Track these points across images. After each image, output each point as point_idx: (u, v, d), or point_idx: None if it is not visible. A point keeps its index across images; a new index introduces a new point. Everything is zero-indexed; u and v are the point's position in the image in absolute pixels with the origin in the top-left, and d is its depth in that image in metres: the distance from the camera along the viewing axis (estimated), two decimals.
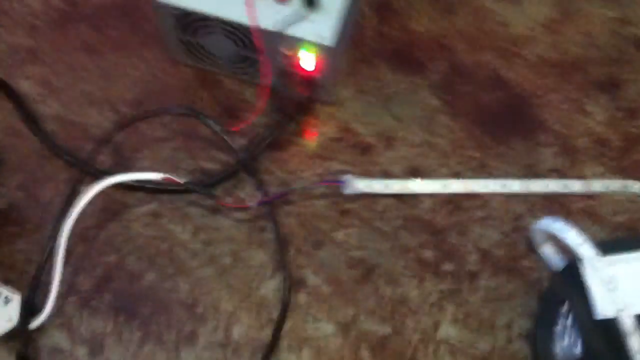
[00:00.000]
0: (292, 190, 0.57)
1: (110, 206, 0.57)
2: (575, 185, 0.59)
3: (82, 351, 0.51)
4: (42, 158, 0.58)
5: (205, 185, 0.57)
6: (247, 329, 0.52)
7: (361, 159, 0.59)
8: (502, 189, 0.59)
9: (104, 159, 0.58)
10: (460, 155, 0.60)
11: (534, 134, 0.61)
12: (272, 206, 0.57)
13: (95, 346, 0.51)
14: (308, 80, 0.57)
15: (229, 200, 0.56)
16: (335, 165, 0.59)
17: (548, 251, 0.56)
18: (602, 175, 0.60)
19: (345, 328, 0.53)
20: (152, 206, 0.57)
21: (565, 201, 0.59)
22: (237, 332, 0.52)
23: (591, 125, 0.62)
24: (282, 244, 0.55)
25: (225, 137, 0.58)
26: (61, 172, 0.57)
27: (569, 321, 0.50)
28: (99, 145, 0.58)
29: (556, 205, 0.58)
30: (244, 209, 0.56)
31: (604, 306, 0.44)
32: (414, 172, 0.59)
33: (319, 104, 0.61)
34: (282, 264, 0.54)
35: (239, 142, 0.58)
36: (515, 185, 0.59)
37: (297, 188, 0.58)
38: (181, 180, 0.52)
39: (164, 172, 0.52)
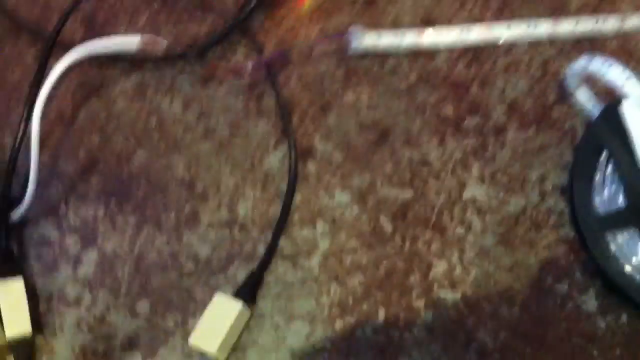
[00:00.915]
0: (292, 48, 0.50)
1: (88, 82, 0.50)
2: (609, 22, 0.52)
3: (72, 240, 0.46)
4: (6, 37, 0.50)
5: (197, 49, 0.50)
6: (253, 205, 0.47)
7: (367, 11, 0.53)
8: (527, 32, 0.51)
9: (74, 30, 0.50)
10: None
11: None
12: (270, 68, 0.50)
13: (87, 234, 0.46)
14: None
15: (219, 66, 0.49)
16: (338, 20, 0.51)
17: (583, 96, 0.49)
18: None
19: (361, 196, 0.47)
20: (135, 78, 0.51)
21: (598, 42, 0.52)
22: (242, 208, 0.47)
23: None
24: (284, 109, 0.49)
25: None
26: (28, 50, 0.51)
27: (609, 170, 0.46)
28: (67, 15, 0.50)
29: (588, 47, 0.51)
30: (239, 72, 0.49)
31: None
32: (428, 22, 0.52)
33: None
34: (286, 131, 0.48)
35: (226, 1, 0.51)
36: (541, 27, 0.52)
37: (298, 46, 0.51)
38: (164, 43, 0.45)
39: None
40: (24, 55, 0.51)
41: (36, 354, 0.43)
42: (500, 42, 0.52)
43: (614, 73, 0.41)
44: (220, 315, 0.42)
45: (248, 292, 0.45)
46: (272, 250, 0.45)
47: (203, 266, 0.45)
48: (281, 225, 0.46)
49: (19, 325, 0.43)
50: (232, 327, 0.42)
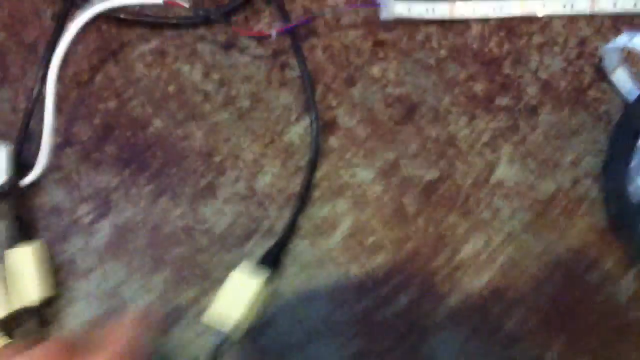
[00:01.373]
0: (319, 15, 0.48)
1: (106, 45, 0.48)
2: None
3: (85, 209, 0.44)
4: None
5: (219, 13, 0.47)
6: (272, 179, 0.45)
7: None
8: (564, 9, 0.49)
9: None
10: None
11: None
12: (294, 37, 0.47)
13: (100, 203, 0.44)
14: None
15: (243, 31, 0.47)
16: None
17: (622, 77, 0.47)
18: None
19: (385, 174, 0.45)
20: (155, 43, 0.48)
21: (637, 22, 0.49)
22: (261, 182, 0.45)
23: None
24: (308, 80, 0.46)
25: None
26: (47, 6, 0.48)
27: None
28: None
29: (630, 26, 0.48)
30: (264, 37, 0.47)
31: None
32: None
33: None
34: (309, 103, 0.46)
35: None
36: (580, 3, 0.49)
37: (324, 13, 0.48)
38: (187, 4, 0.43)
39: None
40: (41, 13, 0.48)
41: (45, 326, 0.42)
42: (537, 15, 0.50)
43: None
44: (238, 292, 0.40)
45: (272, 260, 0.43)
46: (290, 228, 0.43)
47: (218, 242, 0.44)
48: (302, 201, 0.44)
49: (30, 291, 0.41)
50: (250, 305, 0.40)
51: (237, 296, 0.40)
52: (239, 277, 0.41)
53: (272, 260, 0.42)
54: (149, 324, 0.35)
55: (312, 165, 0.45)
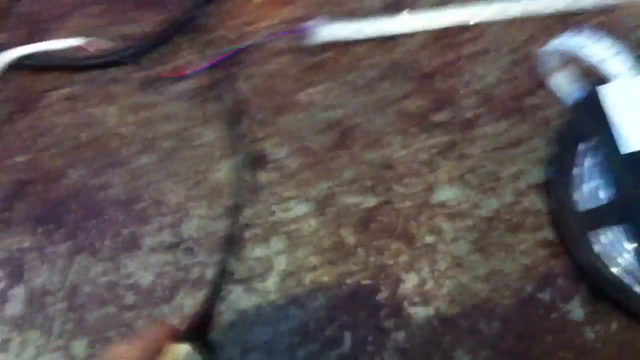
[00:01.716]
0: (244, 47, 0.45)
1: (16, 96, 0.45)
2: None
3: None
4: None
5: (134, 52, 0.44)
6: (199, 223, 0.42)
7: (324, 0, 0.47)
8: (499, 15, 0.46)
9: (4, 36, 0.45)
10: None
11: None
12: (218, 71, 0.44)
13: (13, 268, 0.41)
14: None
15: (160, 70, 0.44)
16: (295, 12, 0.46)
17: (562, 81, 0.45)
18: None
19: (320, 205, 0.42)
20: (66, 89, 0.45)
21: (575, 21, 0.47)
22: (187, 228, 0.42)
23: None
24: (232, 113, 0.43)
25: None
26: None
27: (588, 163, 0.41)
28: None
29: (563, 27, 0.46)
30: (182, 77, 0.44)
31: (634, 137, 0.36)
32: (391, 7, 0.47)
33: None
34: (235, 138, 0.43)
35: None
36: (514, 8, 0.47)
37: (249, 45, 0.45)
38: (95, 46, 0.40)
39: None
40: None
41: None
42: (470, 23, 0.47)
43: (598, 49, 0.37)
44: None
45: (198, 334, 0.38)
46: (221, 276, 0.40)
47: (145, 297, 0.40)
48: (230, 243, 0.41)
49: None
50: None
51: None
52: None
53: (202, 324, 0.39)
54: None
55: (241, 205, 0.42)
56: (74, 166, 0.43)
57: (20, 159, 0.43)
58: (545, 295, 0.41)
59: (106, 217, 0.42)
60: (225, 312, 0.41)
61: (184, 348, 0.36)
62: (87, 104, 0.45)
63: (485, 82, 0.46)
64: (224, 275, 0.41)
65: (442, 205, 0.43)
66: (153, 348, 0.32)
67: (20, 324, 0.40)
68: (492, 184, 0.44)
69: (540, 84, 0.46)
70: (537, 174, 0.44)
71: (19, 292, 0.40)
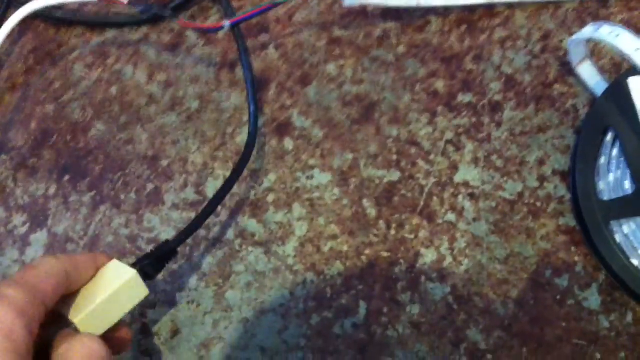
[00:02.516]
0: (273, 4, 0.45)
1: (43, 46, 0.45)
2: None
3: (20, 219, 0.41)
4: None
5: (165, 10, 0.44)
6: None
7: None
8: None
9: None
10: None
11: None
12: (244, 35, 0.45)
13: (37, 213, 0.41)
14: None
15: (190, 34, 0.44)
16: None
17: (588, 71, 0.45)
18: None
19: (343, 177, 0.42)
20: (95, 43, 0.45)
21: (605, 13, 0.47)
22: (211, 187, 0.42)
23: None
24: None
25: None
26: None
27: (615, 153, 0.41)
28: None
29: (595, 16, 0.46)
30: (213, 33, 0.44)
31: None
32: None
33: None
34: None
35: None
36: None
37: (279, 2, 0.45)
38: (126, 0, 0.40)
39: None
40: None
41: None
42: (498, 10, 0.47)
43: (625, 40, 0.37)
44: (102, 284, 0.35)
45: (151, 264, 0.37)
46: (202, 219, 0.39)
47: None
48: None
49: None
50: (110, 300, 0.35)
51: (101, 287, 0.35)
52: (113, 267, 0.36)
53: (159, 256, 0.38)
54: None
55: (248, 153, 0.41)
56: (101, 119, 0.43)
57: (49, 108, 0.43)
58: (562, 282, 0.41)
59: (131, 170, 0.42)
60: (243, 273, 0.41)
61: (129, 272, 0.35)
62: (116, 61, 0.45)
63: (514, 66, 0.46)
64: (244, 236, 0.41)
65: (465, 184, 0.43)
66: (84, 266, 0.32)
67: None
68: (517, 167, 0.44)
69: (569, 72, 0.46)
70: (562, 161, 0.44)
71: (41, 237, 0.41)
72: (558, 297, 0.40)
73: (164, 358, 0.38)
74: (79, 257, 0.33)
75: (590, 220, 0.41)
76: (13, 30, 0.41)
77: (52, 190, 0.42)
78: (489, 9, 0.47)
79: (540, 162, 0.43)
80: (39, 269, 0.31)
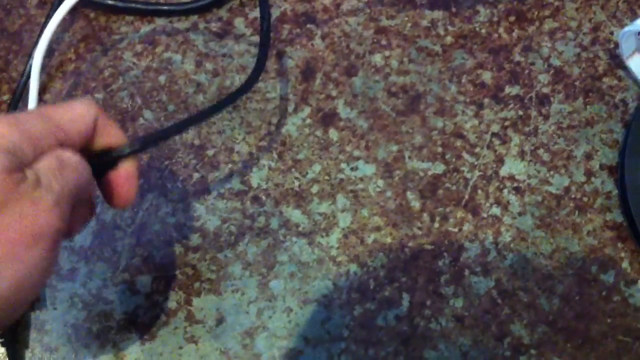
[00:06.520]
0: None
1: (93, 34, 0.46)
2: None
3: None
4: None
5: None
6: (268, 174, 0.43)
7: None
8: None
9: None
10: None
11: None
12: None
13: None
14: None
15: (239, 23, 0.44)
16: None
17: (639, 64, 0.44)
18: None
19: (387, 168, 0.42)
20: (145, 32, 0.46)
21: None
22: (256, 177, 0.42)
23: None
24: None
25: None
26: None
27: None
28: None
29: None
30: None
31: None
32: None
33: None
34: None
35: None
36: None
37: None
38: None
39: None
40: (25, 1, 0.46)
41: (25, 329, 0.39)
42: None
43: None
44: None
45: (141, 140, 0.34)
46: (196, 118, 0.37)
47: (211, 240, 0.41)
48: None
49: None
50: None
51: None
52: None
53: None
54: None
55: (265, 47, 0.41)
56: (150, 107, 0.44)
57: (98, 96, 0.44)
58: (608, 278, 0.40)
59: (178, 160, 0.43)
60: (287, 263, 0.41)
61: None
62: (165, 49, 0.46)
63: (563, 58, 0.45)
64: (288, 227, 0.41)
65: (511, 178, 0.43)
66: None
67: (88, 255, 0.41)
68: (564, 161, 0.43)
69: (619, 65, 0.45)
70: (610, 156, 0.43)
71: (89, 224, 0.41)
72: (604, 293, 0.40)
73: (209, 345, 0.39)
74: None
75: (638, 216, 0.40)
76: (64, 19, 0.41)
77: None
78: None
79: (588, 157, 0.43)
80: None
